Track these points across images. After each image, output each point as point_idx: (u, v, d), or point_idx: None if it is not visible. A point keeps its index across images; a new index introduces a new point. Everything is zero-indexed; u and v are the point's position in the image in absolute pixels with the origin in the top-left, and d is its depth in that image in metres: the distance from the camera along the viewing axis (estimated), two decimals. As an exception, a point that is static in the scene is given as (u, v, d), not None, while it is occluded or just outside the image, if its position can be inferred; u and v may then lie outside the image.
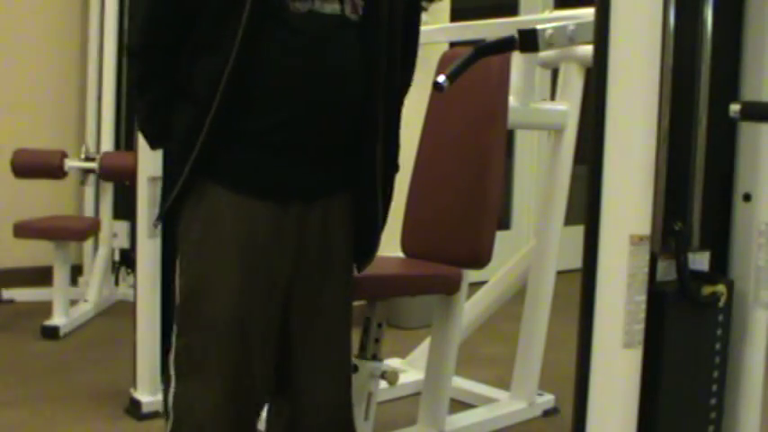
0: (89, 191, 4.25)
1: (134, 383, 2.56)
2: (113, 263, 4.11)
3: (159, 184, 2.52)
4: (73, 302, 3.72)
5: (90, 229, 3.78)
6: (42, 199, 4.22)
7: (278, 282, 1.53)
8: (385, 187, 1.66)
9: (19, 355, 3.18)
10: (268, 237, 1.51)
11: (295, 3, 1.44)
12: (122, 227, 3.96)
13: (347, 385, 1.69)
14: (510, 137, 5.00)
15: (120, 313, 3.79)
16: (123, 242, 3.98)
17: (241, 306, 1.51)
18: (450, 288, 2.24)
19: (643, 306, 1.34)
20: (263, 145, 1.48)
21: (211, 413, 1.50)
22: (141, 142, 2.52)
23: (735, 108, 1.36)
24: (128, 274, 4.08)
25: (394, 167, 1.71)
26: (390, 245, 2.33)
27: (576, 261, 1.57)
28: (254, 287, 1.51)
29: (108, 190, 4.04)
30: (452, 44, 3.04)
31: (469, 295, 2.45)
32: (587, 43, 1.85)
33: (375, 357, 2.06)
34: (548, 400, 2.68)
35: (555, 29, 1.77)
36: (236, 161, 1.49)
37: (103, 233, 3.98)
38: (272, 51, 1.44)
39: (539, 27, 1.75)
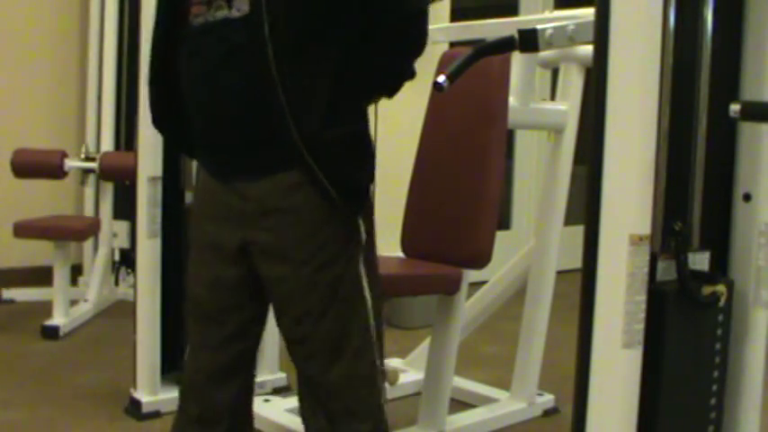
0: (89, 191, 4.25)
1: (134, 383, 2.56)
2: (113, 263, 4.11)
3: (159, 184, 2.53)
4: (73, 302, 3.72)
5: (90, 229, 3.78)
6: (42, 199, 4.22)
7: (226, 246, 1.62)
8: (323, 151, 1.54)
9: (19, 355, 3.18)
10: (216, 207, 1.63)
11: (193, 18, 1.54)
12: (122, 227, 3.96)
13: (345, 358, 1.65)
14: (510, 137, 4.99)
15: (120, 313, 3.78)
16: (123, 242, 3.98)
17: (193, 278, 1.70)
18: (450, 288, 2.24)
19: (643, 306, 1.34)
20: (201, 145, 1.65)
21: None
22: (141, 142, 2.53)
23: (735, 108, 1.36)
24: (128, 274, 4.07)
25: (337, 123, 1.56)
26: (390, 245, 2.34)
27: (576, 261, 1.57)
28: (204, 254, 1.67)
29: (108, 190, 4.04)
30: (452, 44, 3.04)
31: (469, 295, 2.45)
32: (587, 43, 1.85)
33: (375, 357, 2.05)
34: (548, 400, 2.67)
35: (555, 29, 1.76)
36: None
37: (103, 233, 3.98)
38: (181, 68, 1.59)
39: (539, 27, 1.75)
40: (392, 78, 1.62)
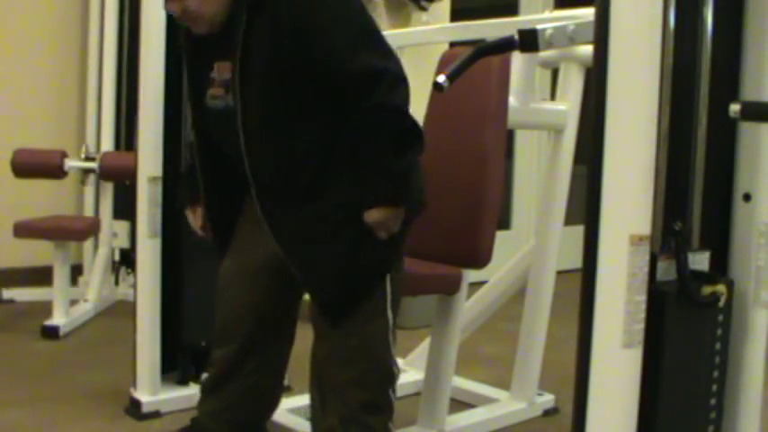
0: (89, 191, 4.25)
1: (134, 383, 2.56)
2: (113, 263, 4.11)
3: (159, 184, 2.53)
4: (73, 302, 3.72)
5: (90, 229, 3.77)
6: (42, 199, 4.22)
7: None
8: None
9: (19, 355, 3.18)
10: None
11: (208, 101, 1.90)
12: (122, 227, 3.96)
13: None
14: (510, 137, 5.00)
15: (120, 313, 3.78)
16: (123, 242, 3.98)
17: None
18: (450, 288, 2.24)
19: (643, 306, 1.34)
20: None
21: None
22: (141, 142, 2.53)
23: (735, 108, 1.36)
24: (128, 274, 4.07)
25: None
26: (390, 245, 2.33)
27: (576, 261, 1.58)
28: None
29: (108, 190, 4.04)
30: (452, 44, 3.04)
31: (469, 295, 2.45)
32: (587, 43, 1.85)
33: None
34: (548, 400, 2.67)
35: (555, 29, 1.76)
36: None
37: (103, 233, 3.98)
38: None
39: (539, 27, 1.75)
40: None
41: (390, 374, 1.93)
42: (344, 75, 1.74)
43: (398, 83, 1.76)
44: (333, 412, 1.89)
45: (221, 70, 1.85)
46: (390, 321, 1.94)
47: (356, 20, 1.77)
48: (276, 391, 2.19)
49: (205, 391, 2.12)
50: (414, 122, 1.80)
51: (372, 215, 1.77)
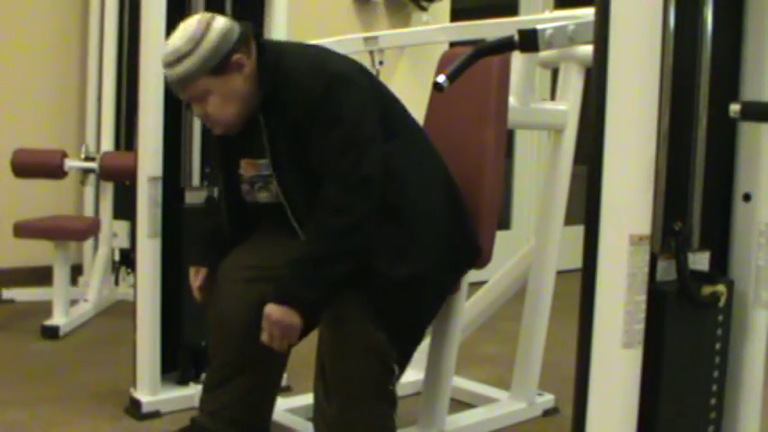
0: (89, 191, 4.25)
1: (134, 383, 2.56)
2: (113, 263, 4.11)
3: (159, 184, 2.53)
4: (73, 302, 3.72)
5: (90, 229, 3.77)
6: (42, 199, 4.22)
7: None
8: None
9: (19, 355, 3.18)
10: None
11: (245, 196, 2.07)
12: (122, 227, 3.96)
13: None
14: (510, 137, 5.00)
15: (120, 313, 3.79)
16: (123, 242, 3.98)
17: None
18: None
19: (643, 306, 1.34)
20: None
21: None
22: (141, 142, 2.52)
23: (735, 108, 1.36)
24: (128, 274, 4.07)
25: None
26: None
27: (576, 261, 1.57)
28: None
29: (108, 190, 4.04)
30: (452, 44, 3.04)
31: (469, 295, 2.45)
32: (587, 43, 1.85)
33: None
34: (548, 400, 2.67)
35: (555, 29, 1.76)
36: None
37: (103, 233, 3.98)
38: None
39: (539, 27, 1.75)
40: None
41: (393, 367, 1.93)
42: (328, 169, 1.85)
43: (369, 196, 1.81)
44: (335, 402, 1.88)
45: (247, 169, 2.01)
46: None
47: (352, 130, 1.85)
48: (276, 389, 2.20)
49: (205, 390, 2.13)
50: (355, 237, 1.81)
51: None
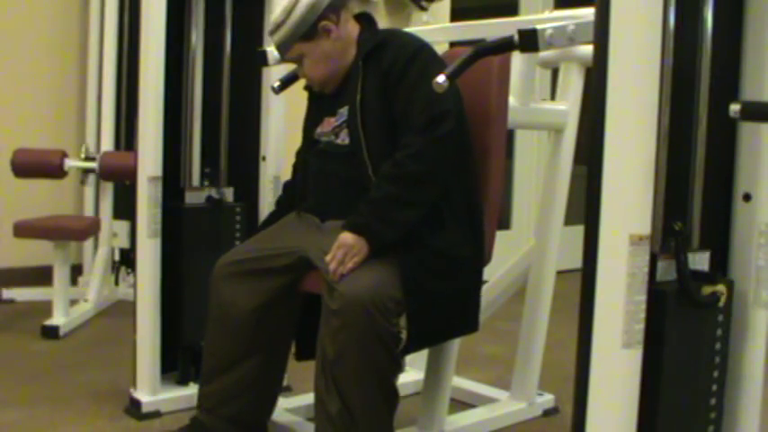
0: (89, 191, 4.25)
1: (134, 383, 2.56)
2: (113, 263, 4.11)
3: (159, 184, 2.53)
4: (73, 302, 3.72)
5: (90, 229, 3.77)
6: (42, 199, 4.22)
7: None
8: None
9: (19, 355, 3.18)
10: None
11: (318, 139, 2.18)
12: (122, 227, 3.96)
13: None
14: (510, 137, 5.00)
15: (120, 313, 3.79)
16: (123, 242, 3.98)
17: None
18: (450, 288, 2.23)
19: (643, 306, 1.34)
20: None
21: None
22: (141, 142, 2.52)
23: (735, 108, 1.36)
24: (128, 274, 4.07)
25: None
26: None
27: (576, 261, 1.58)
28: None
29: (108, 190, 4.03)
30: (452, 44, 3.04)
31: (469, 295, 2.44)
32: (587, 43, 1.85)
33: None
34: (548, 400, 2.67)
35: (555, 29, 1.76)
36: None
37: (103, 233, 3.98)
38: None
39: (539, 27, 1.75)
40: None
41: (397, 364, 1.96)
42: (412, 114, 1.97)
43: (445, 152, 1.94)
44: (337, 397, 1.88)
45: (326, 125, 2.14)
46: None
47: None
48: (276, 387, 2.20)
49: (203, 383, 2.13)
50: (436, 179, 1.94)
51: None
